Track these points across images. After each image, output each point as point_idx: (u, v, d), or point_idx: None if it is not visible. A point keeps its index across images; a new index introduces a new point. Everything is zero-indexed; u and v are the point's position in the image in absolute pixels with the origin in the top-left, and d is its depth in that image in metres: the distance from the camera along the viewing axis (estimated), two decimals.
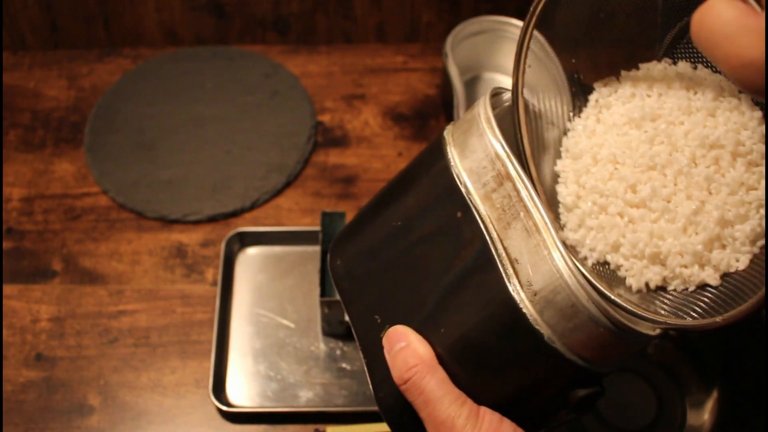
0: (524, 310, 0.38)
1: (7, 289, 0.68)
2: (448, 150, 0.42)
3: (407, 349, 0.39)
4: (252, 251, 0.71)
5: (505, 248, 0.40)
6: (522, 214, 0.40)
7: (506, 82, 0.82)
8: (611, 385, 0.42)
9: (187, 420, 0.62)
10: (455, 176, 0.41)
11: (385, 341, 0.40)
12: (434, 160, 0.43)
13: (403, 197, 0.44)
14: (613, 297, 0.37)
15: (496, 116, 0.43)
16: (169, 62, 0.85)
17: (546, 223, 0.39)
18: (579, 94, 0.48)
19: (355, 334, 0.44)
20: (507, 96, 0.46)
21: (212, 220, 0.72)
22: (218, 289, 0.67)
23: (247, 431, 0.61)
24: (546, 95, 0.67)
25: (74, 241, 0.71)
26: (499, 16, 0.77)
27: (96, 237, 0.71)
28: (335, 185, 0.75)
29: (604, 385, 0.41)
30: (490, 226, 0.41)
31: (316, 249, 0.69)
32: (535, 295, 0.39)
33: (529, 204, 0.40)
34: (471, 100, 0.77)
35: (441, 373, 0.39)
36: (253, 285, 0.69)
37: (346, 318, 0.47)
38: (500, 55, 0.79)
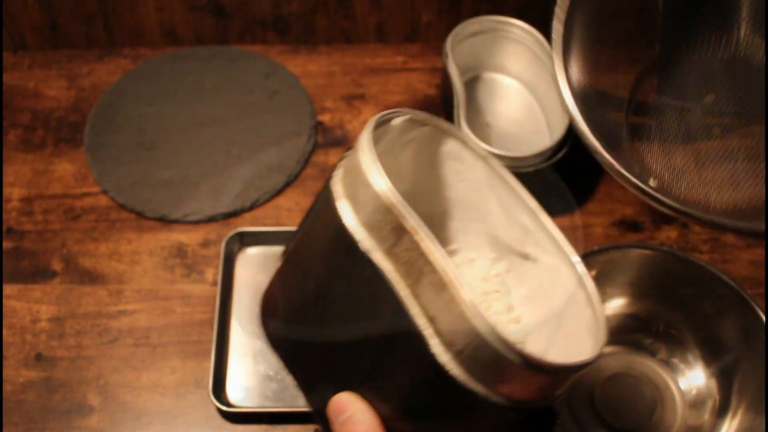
0: (452, 372, 0.36)
1: (7, 289, 0.68)
2: (338, 205, 0.38)
3: (349, 422, 0.37)
4: (252, 251, 0.71)
5: (420, 306, 0.37)
6: (427, 268, 0.36)
7: (506, 82, 0.82)
8: (611, 385, 0.42)
9: (187, 420, 0.62)
10: (352, 234, 0.37)
11: (329, 411, 0.38)
12: (327, 216, 0.39)
13: (310, 257, 0.41)
14: (525, 352, 0.35)
15: (385, 149, 0.39)
16: (169, 62, 0.85)
17: (452, 278, 0.35)
18: None
19: (305, 400, 0.42)
20: (398, 120, 0.41)
21: (212, 220, 0.72)
22: (218, 289, 0.67)
23: (247, 431, 0.61)
24: (545, 92, 0.66)
25: (74, 241, 0.71)
26: (499, 16, 0.77)
27: (96, 237, 0.71)
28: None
29: (556, 411, 0.40)
30: (400, 284, 0.37)
31: None
32: (460, 354, 0.36)
33: (432, 257, 0.36)
34: (471, 100, 0.77)
35: None
36: (253, 285, 0.69)
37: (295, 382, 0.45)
38: (500, 55, 0.79)
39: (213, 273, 0.69)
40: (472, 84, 0.80)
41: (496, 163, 0.46)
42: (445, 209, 0.48)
